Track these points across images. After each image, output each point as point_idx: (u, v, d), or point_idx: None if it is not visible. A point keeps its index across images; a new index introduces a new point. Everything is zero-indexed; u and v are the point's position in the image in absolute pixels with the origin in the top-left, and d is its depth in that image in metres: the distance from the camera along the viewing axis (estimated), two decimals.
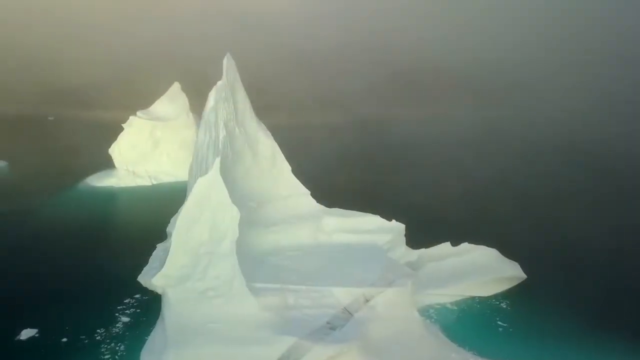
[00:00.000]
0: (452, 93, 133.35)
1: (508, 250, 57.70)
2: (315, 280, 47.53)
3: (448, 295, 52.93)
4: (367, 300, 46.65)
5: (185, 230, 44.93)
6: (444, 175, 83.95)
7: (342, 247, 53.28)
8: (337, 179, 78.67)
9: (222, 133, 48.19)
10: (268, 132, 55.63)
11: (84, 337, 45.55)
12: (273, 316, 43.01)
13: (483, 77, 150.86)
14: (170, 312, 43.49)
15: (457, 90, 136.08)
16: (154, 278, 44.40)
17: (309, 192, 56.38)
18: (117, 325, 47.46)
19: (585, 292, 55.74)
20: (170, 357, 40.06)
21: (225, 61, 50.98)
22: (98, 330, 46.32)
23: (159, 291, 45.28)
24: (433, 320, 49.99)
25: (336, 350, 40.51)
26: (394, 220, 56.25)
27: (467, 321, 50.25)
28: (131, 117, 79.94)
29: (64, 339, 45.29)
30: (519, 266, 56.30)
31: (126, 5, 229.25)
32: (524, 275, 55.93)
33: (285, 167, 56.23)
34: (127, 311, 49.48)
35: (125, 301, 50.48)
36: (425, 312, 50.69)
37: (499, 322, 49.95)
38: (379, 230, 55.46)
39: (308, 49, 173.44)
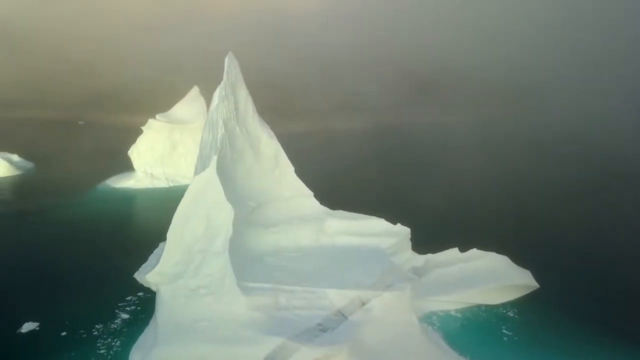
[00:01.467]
0: (471, 97, 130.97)
1: (520, 258, 55.48)
2: (311, 282, 46.42)
3: (453, 302, 51.05)
4: (363, 304, 45.24)
5: (181, 228, 44.71)
6: (454, 179, 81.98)
7: (343, 249, 52.07)
8: (343, 181, 77.79)
9: (220, 131, 47.95)
10: (271, 132, 54.87)
11: (82, 331, 46.06)
12: (263, 316, 42.20)
13: (503, 82, 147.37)
14: (163, 309, 43.45)
15: (476, 95, 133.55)
16: (147, 275, 44.38)
17: (312, 194, 55.28)
18: (116, 321, 47.92)
19: (600, 302, 53.06)
20: (158, 355, 39.99)
21: (226, 60, 50.71)
22: (96, 326, 46.84)
23: (154, 288, 45.26)
24: (435, 327, 48.19)
25: (324, 351, 39.41)
26: (399, 224, 54.74)
27: (470, 329, 48.29)
28: (150, 120, 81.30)
29: (63, 333, 45.84)
30: (530, 274, 53.94)
31: (152, 14, 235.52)
32: (536, 284, 53.53)
33: (289, 167, 55.34)
34: (127, 308, 49.95)
35: (127, 298, 51.09)
36: (427, 318, 48.99)
37: (504, 331, 47.81)
38: (383, 234, 54.01)
39: (329, 53, 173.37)
